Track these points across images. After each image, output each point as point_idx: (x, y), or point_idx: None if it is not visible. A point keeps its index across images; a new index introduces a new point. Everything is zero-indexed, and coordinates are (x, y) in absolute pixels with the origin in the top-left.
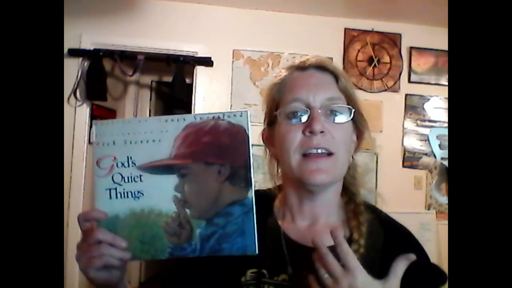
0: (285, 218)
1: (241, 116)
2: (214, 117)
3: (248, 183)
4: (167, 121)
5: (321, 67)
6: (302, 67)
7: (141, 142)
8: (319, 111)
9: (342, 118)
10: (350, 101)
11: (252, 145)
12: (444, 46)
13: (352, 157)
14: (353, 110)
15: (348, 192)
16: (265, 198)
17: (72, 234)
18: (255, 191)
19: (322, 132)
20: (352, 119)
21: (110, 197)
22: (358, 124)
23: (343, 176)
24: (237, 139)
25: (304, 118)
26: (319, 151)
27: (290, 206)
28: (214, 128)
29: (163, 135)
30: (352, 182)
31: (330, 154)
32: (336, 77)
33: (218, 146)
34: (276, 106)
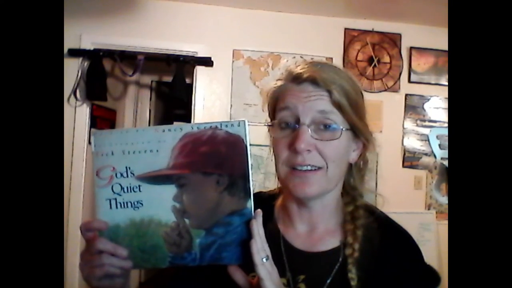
0: (285, 222)
1: (238, 125)
2: (211, 126)
3: (247, 193)
4: (165, 131)
5: (316, 82)
6: (297, 80)
7: (139, 152)
8: (307, 127)
9: (333, 134)
10: (345, 114)
11: (253, 145)
12: (444, 46)
13: (355, 163)
14: (343, 128)
15: (349, 194)
16: (266, 201)
17: (72, 235)
18: (257, 193)
19: (308, 150)
20: (351, 129)
21: (111, 207)
22: (358, 134)
23: (336, 185)
24: (235, 149)
25: (293, 132)
26: (305, 167)
27: (289, 211)
28: (211, 138)
29: (161, 145)
30: (353, 186)
31: (318, 168)
32: (329, 92)
33: (216, 156)
34: (272, 115)
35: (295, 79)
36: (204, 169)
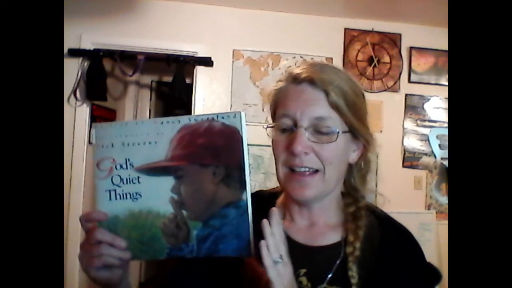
0: (286, 217)
1: (234, 117)
2: (208, 118)
3: (242, 184)
4: (163, 123)
5: (314, 82)
6: (296, 80)
7: (138, 144)
8: (305, 130)
9: (329, 137)
10: (343, 116)
11: (253, 145)
12: (444, 46)
13: (356, 164)
14: (339, 131)
15: (351, 195)
16: (267, 198)
17: (72, 234)
18: (257, 191)
19: (305, 152)
20: (349, 131)
21: (110, 199)
22: (358, 135)
23: (335, 187)
24: (232, 141)
25: (291, 135)
26: (303, 169)
27: (290, 209)
28: (208, 129)
29: (159, 137)
30: (354, 186)
31: (316, 171)
32: (326, 92)
33: (212, 147)
34: (273, 116)
35: (294, 79)
36: (201, 160)
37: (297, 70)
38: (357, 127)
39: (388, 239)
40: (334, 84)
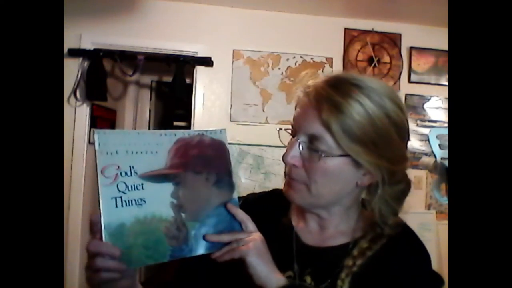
0: (299, 219)
1: (220, 133)
2: (199, 133)
3: (231, 186)
4: (161, 135)
5: (312, 99)
6: (304, 92)
7: (141, 153)
8: (300, 143)
9: (317, 156)
10: (336, 138)
11: (253, 145)
12: (444, 46)
13: (371, 186)
14: (322, 154)
15: (376, 220)
16: (283, 197)
17: (72, 234)
18: (274, 189)
19: (294, 164)
20: (347, 156)
21: (116, 206)
22: (359, 160)
23: (334, 203)
24: (219, 151)
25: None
26: (291, 177)
27: (302, 210)
28: (200, 142)
29: (159, 147)
30: (372, 209)
31: (301, 182)
32: (320, 112)
33: (204, 157)
34: None
35: (303, 90)
36: (195, 168)
37: (310, 82)
38: (355, 153)
39: (396, 258)
40: (331, 104)
